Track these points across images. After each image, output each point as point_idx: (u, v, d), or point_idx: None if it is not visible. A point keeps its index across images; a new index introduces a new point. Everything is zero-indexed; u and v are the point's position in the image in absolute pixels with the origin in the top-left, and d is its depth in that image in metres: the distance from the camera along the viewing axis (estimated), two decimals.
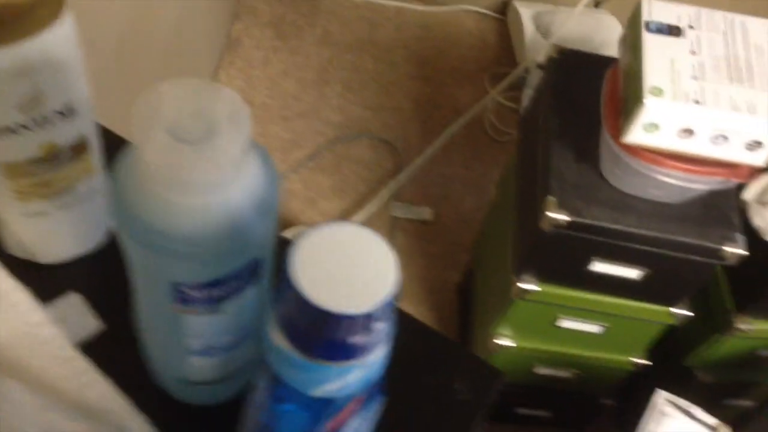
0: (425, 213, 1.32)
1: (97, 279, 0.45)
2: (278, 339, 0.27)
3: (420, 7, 1.63)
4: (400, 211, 1.32)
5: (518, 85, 1.43)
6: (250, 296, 0.32)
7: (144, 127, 0.26)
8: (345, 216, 1.31)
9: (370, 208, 1.31)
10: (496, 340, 0.94)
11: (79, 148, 0.39)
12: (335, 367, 0.26)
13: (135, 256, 0.31)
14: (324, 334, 0.25)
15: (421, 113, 1.48)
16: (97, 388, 0.40)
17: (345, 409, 0.30)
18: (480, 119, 1.47)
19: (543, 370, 0.99)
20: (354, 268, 0.25)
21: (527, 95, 1.20)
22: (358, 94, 1.47)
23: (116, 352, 0.42)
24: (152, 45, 1.03)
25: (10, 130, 0.36)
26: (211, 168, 0.26)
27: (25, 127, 0.36)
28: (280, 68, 1.49)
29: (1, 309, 0.41)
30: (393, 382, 0.32)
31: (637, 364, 0.96)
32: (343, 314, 0.24)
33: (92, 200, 0.43)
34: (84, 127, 0.39)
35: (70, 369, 0.40)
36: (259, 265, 0.31)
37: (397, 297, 0.25)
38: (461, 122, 1.45)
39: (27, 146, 0.37)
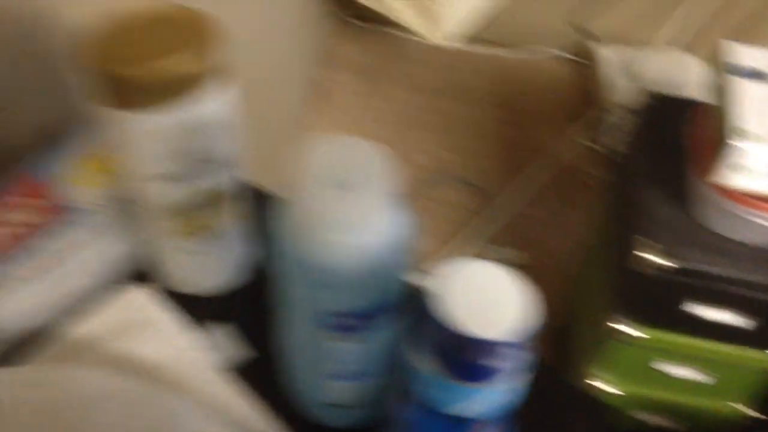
0: (516, 256, 1.34)
1: (244, 310, 0.50)
2: (419, 361, 0.30)
3: (502, 53, 1.67)
4: (492, 254, 1.34)
5: (603, 128, 1.45)
6: (388, 327, 0.36)
7: (304, 176, 0.31)
8: (433, 257, 1.34)
9: (458, 250, 1.34)
10: (591, 383, 0.94)
11: (229, 195, 0.45)
12: (472, 387, 0.30)
13: (290, 289, 0.36)
14: (464, 357, 0.29)
15: (506, 156, 1.51)
16: (244, 407, 0.44)
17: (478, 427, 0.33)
18: (565, 162, 1.49)
19: (643, 417, 0.98)
20: (493, 299, 0.29)
21: (614, 137, 1.22)
22: (445, 137, 1.52)
23: (261, 376, 0.46)
24: (246, 91, 1.10)
25: (170, 178, 0.41)
26: (361, 211, 0.31)
27: (181, 176, 0.41)
28: (367, 113, 1.56)
29: (159, 337, 0.47)
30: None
31: (748, 416, 0.94)
32: (485, 339, 0.28)
33: (239, 239, 0.48)
34: (233, 177, 0.44)
35: (218, 389, 0.45)
36: (397, 300, 0.35)
37: (537, 326, 0.29)
38: (547, 165, 1.47)
39: (182, 192, 0.42)
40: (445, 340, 0.29)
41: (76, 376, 0.41)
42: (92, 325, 0.47)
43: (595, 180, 1.46)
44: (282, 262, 0.35)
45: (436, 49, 1.67)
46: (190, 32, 0.37)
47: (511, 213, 1.41)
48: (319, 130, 1.52)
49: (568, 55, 1.67)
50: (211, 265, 0.49)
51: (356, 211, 0.31)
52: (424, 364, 0.30)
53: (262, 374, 0.46)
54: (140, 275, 0.50)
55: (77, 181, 0.46)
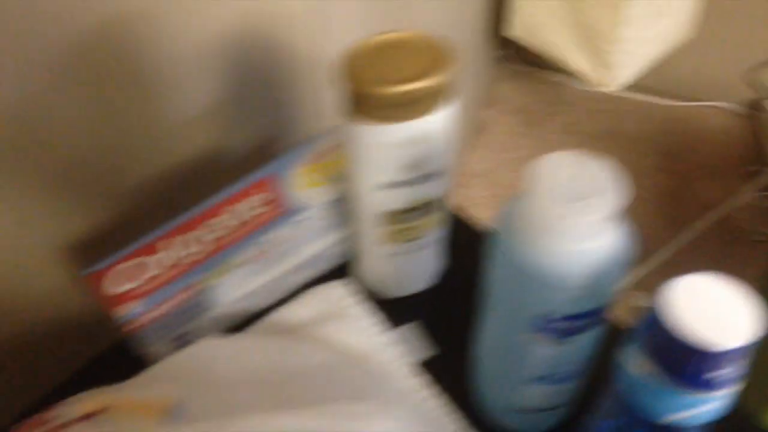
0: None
1: (430, 311, 0.54)
2: (639, 368, 0.32)
3: (665, 102, 1.65)
4: (643, 301, 1.31)
5: None
6: (593, 334, 0.38)
7: (536, 186, 0.34)
8: None
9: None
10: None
11: (436, 205, 0.48)
12: (692, 396, 0.31)
13: (503, 292, 0.38)
14: (692, 365, 0.30)
15: (665, 206, 1.47)
16: (433, 403, 0.47)
17: None
18: (729, 217, 1.44)
19: None
20: (719, 309, 0.30)
21: None
22: None
23: (443, 375, 0.49)
24: None
25: (394, 186, 0.45)
26: (589, 222, 0.33)
27: (403, 184, 0.45)
28: (525, 153, 1.58)
29: (356, 327, 0.51)
30: None
31: None
32: (713, 348, 0.29)
33: (433, 247, 0.52)
34: (443, 188, 0.48)
35: (411, 385, 0.48)
36: (606, 307, 0.37)
37: (761, 334, 0.30)
38: (710, 218, 1.43)
39: (400, 199, 0.46)
40: (673, 348, 0.30)
41: (285, 346, 0.45)
42: (298, 312, 0.52)
43: (763, 237, 1.40)
44: (500, 265, 0.38)
45: (596, 95, 1.67)
46: (430, 56, 0.41)
47: (666, 263, 1.37)
48: (474, 164, 1.55)
49: (738, 108, 1.62)
50: (412, 270, 0.52)
51: (586, 222, 0.33)
52: (645, 372, 0.32)
53: (444, 373, 0.49)
54: (343, 271, 0.55)
55: (304, 183, 0.51)
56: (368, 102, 0.41)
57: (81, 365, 0.51)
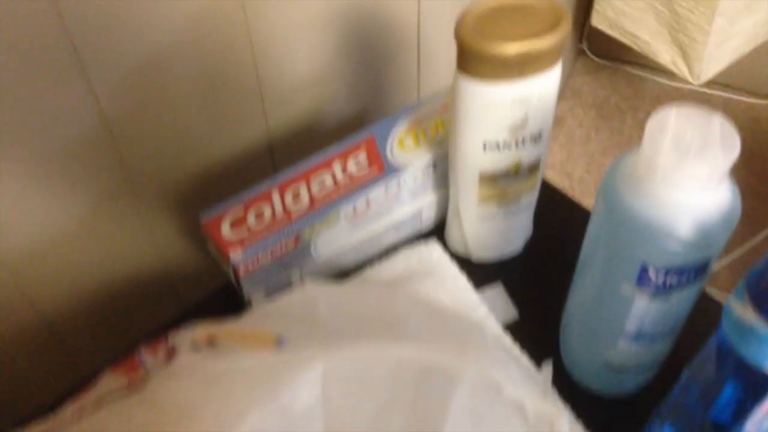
0: None
1: (514, 277, 0.55)
2: (747, 313, 0.33)
3: (749, 99, 1.61)
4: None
5: None
6: (692, 291, 0.39)
7: (655, 138, 0.35)
8: None
9: None
10: None
11: (533, 168, 0.50)
12: None
13: (607, 242, 0.40)
14: None
15: (744, 204, 1.44)
16: (523, 363, 0.49)
17: None
18: None
19: None
20: None
21: None
22: None
23: (530, 338, 0.51)
24: None
25: (498, 147, 0.47)
26: (703, 175, 0.34)
27: (507, 145, 0.47)
28: (599, 146, 1.56)
29: (448, 286, 0.52)
30: None
31: None
32: None
33: (527, 212, 0.53)
34: (542, 151, 0.49)
35: (504, 342, 0.49)
36: (708, 265, 0.38)
37: None
38: None
39: (502, 161, 0.48)
40: None
41: (382, 293, 0.47)
42: (394, 268, 0.54)
43: None
44: (606, 217, 0.39)
45: (677, 91, 1.64)
46: (543, 17, 0.43)
47: (743, 261, 1.34)
48: (547, 154, 1.55)
49: None
50: (505, 234, 0.54)
51: (698, 174, 0.34)
52: (752, 317, 0.33)
53: (530, 336, 0.50)
54: (438, 233, 0.57)
55: (405, 145, 0.53)
56: (481, 60, 0.43)
57: (187, 310, 0.55)
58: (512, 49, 0.42)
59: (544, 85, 0.45)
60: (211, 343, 0.40)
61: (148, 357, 0.38)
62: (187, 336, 0.40)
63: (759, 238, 1.36)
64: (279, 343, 0.40)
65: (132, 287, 0.59)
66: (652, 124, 0.35)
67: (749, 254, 1.35)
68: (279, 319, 0.44)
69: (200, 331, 0.40)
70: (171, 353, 0.38)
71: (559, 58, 0.45)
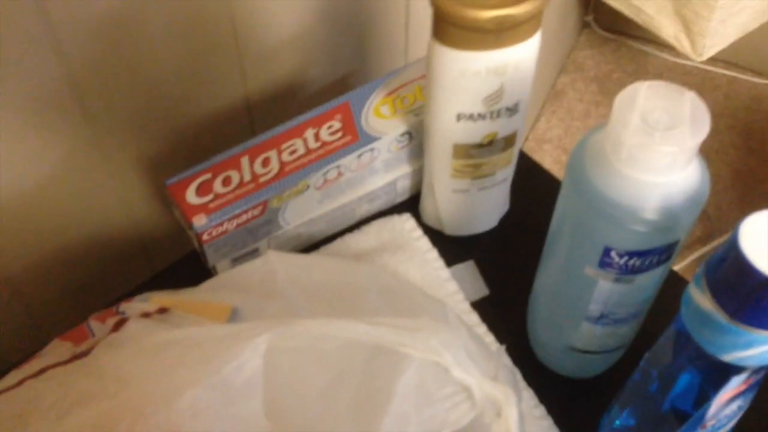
0: None
1: (487, 253, 0.54)
2: (705, 302, 0.32)
3: (753, 79, 1.58)
4: None
5: None
6: (657, 274, 0.38)
7: (623, 114, 0.33)
8: None
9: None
10: None
11: (509, 141, 0.48)
12: (756, 334, 0.31)
13: (573, 223, 0.38)
14: (758, 298, 0.30)
15: (740, 184, 1.43)
16: (488, 339, 0.48)
17: (740, 385, 0.34)
18: None
19: None
20: None
21: None
22: None
23: (498, 316, 0.50)
24: None
25: (472, 118, 0.45)
26: (670, 153, 0.33)
27: (482, 116, 0.45)
28: (599, 122, 1.54)
29: (418, 260, 0.51)
30: None
31: None
32: None
33: (502, 187, 0.52)
34: (518, 124, 0.47)
35: (468, 321, 0.49)
36: (674, 248, 0.37)
37: None
38: None
39: (477, 133, 0.47)
40: (744, 279, 0.30)
41: (345, 266, 0.46)
42: (363, 240, 0.53)
43: None
44: (571, 197, 0.38)
45: (680, 67, 1.61)
46: None
47: None
48: (545, 130, 1.53)
49: None
50: (479, 209, 0.53)
51: (665, 152, 0.33)
52: (711, 306, 0.31)
53: (498, 314, 0.50)
54: (411, 205, 0.56)
55: (380, 114, 0.52)
56: (456, 25, 0.41)
57: (149, 277, 0.54)
58: (488, 14, 0.40)
59: (522, 56, 0.43)
60: (163, 312, 0.39)
61: (97, 326, 0.37)
62: (139, 306, 0.39)
63: None
64: (233, 316, 0.39)
65: (102, 250, 0.58)
66: (621, 99, 0.34)
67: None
68: (236, 289, 0.43)
69: (153, 301, 0.39)
70: (120, 324, 0.37)
71: (537, 28, 0.43)
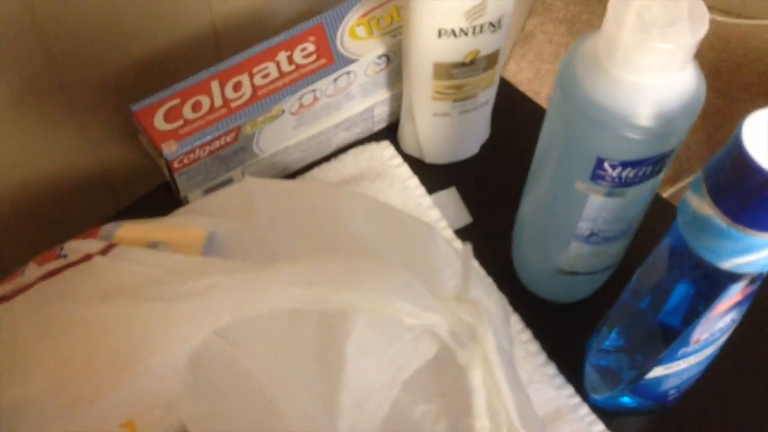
0: None
1: (469, 181, 0.52)
2: (704, 207, 0.31)
3: (721, 18, 1.57)
4: None
5: None
6: (648, 187, 0.37)
7: (619, 13, 0.32)
8: None
9: None
10: None
11: (492, 60, 0.46)
12: (757, 238, 0.30)
13: (562, 135, 0.37)
14: (763, 201, 0.29)
15: (707, 124, 1.43)
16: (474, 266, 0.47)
17: (736, 295, 0.33)
18: None
19: None
20: None
21: None
22: None
23: (481, 243, 0.49)
24: None
25: (454, 34, 0.43)
26: (668, 51, 0.31)
27: (464, 32, 0.43)
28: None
29: (398, 187, 0.50)
30: None
31: None
32: None
33: (484, 110, 0.50)
34: (502, 42, 0.46)
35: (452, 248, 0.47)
36: (667, 158, 0.36)
37: None
38: None
39: (458, 50, 0.45)
40: (739, 180, 0.29)
41: (327, 191, 0.44)
42: (342, 168, 0.51)
43: None
44: (561, 106, 0.36)
45: None
46: None
47: None
48: (514, 73, 1.51)
49: None
50: (464, 133, 0.51)
51: (665, 51, 0.31)
52: (709, 211, 0.30)
53: (481, 241, 0.48)
54: (390, 132, 0.54)
55: (356, 35, 0.49)
56: None
57: (115, 212, 0.51)
58: None
59: None
60: (106, 253, 0.35)
61: (34, 270, 0.35)
62: (83, 247, 0.35)
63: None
64: (209, 242, 0.37)
65: (66, 185, 0.55)
66: (613, 4, 0.32)
67: None
68: (213, 214, 0.41)
69: (117, 235, 0.37)
70: (51, 274, 0.34)
71: None
